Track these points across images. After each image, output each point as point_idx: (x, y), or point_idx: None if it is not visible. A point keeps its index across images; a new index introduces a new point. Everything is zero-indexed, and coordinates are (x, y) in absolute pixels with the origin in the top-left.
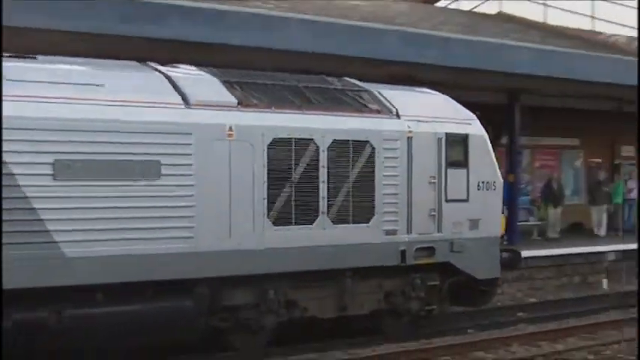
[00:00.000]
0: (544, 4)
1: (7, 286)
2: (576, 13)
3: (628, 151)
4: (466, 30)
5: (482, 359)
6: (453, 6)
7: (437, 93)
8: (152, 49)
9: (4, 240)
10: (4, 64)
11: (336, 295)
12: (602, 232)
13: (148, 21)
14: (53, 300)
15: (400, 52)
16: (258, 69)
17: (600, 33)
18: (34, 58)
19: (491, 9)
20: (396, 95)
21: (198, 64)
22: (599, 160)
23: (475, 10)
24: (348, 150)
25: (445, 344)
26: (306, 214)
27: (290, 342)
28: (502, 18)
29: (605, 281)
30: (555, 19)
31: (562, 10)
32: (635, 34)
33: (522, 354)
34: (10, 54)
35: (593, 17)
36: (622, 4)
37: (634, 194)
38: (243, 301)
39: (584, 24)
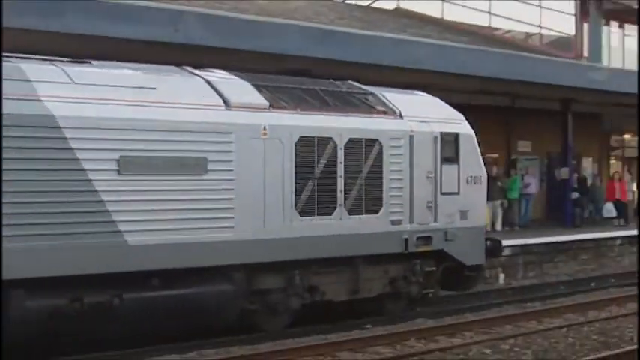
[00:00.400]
0: (442, 0)
1: (77, 272)
2: (474, 9)
3: (524, 146)
4: (364, 25)
5: (380, 354)
6: (350, 1)
7: (430, 95)
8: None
9: (77, 230)
10: (66, 67)
11: (349, 280)
12: (498, 227)
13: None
14: (116, 285)
15: (299, 47)
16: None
17: (497, 29)
18: (89, 62)
19: (389, 4)
20: (397, 97)
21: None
22: (496, 156)
23: (373, 5)
24: (361, 148)
25: (343, 339)
26: (326, 206)
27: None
28: (400, 13)
29: (501, 275)
30: (452, 15)
31: (459, 6)
32: (531, 29)
33: (420, 348)
34: (67, 59)
35: (490, 14)
36: (519, 1)
37: (530, 189)
38: (273, 285)
39: (482, 20)
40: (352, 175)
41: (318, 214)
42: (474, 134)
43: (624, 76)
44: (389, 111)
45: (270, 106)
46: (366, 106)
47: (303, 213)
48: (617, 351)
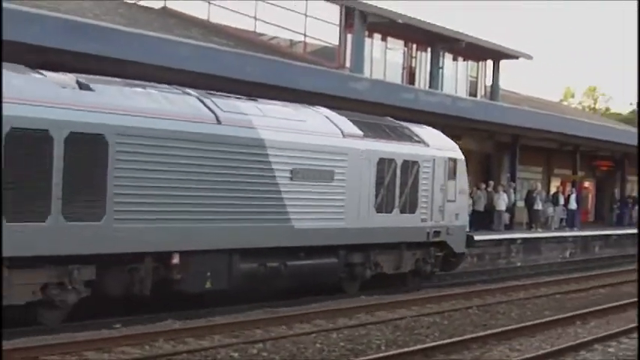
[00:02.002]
0: (208, 2)
1: (265, 245)
2: (239, 13)
3: None
4: (129, 22)
5: (128, 354)
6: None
7: (437, 130)
8: None
9: (267, 217)
10: (256, 103)
11: (396, 259)
12: None
13: None
14: (283, 255)
15: (58, 40)
16: None
17: (262, 34)
18: (255, 99)
19: (156, 4)
20: (422, 131)
21: None
22: None
23: (139, 3)
24: (408, 167)
25: (90, 338)
26: (390, 206)
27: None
28: (167, 13)
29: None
30: (219, 17)
31: (226, 9)
32: (295, 37)
33: (168, 350)
34: (244, 97)
35: (255, 19)
36: (284, 8)
37: None
38: (357, 260)
39: (248, 25)
40: (403, 185)
41: (385, 212)
42: (464, 158)
43: (385, 88)
44: (422, 141)
45: (364, 136)
46: (408, 137)
47: (378, 210)
48: (365, 358)
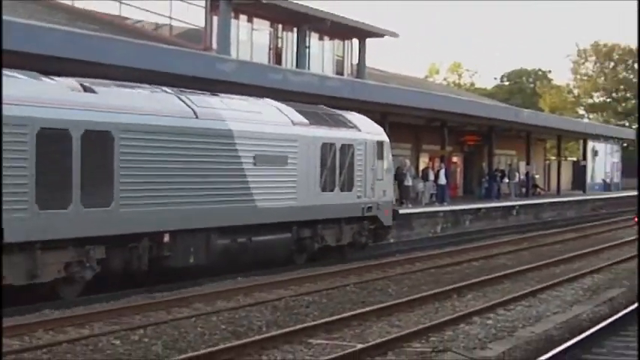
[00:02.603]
0: None
1: (233, 224)
2: None
3: None
4: None
5: (8, 346)
6: None
7: (364, 116)
8: None
9: (235, 198)
10: (222, 98)
11: (337, 232)
12: None
13: None
14: (246, 231)
15: None
16: None
17: (127, 18)
18: (217, 95)
19: None
20: (354, 117)
21: None
22: None
23: None
24: (345, 150)
25: None
26: (331, 185)
27: None
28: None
29: None
30: (83, 2)
31: None
32: (160, 20)
33: (49, 340)
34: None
35: (120, 2)
36: None
37: None
38: (306, 235)
39: (113, 9)
40: (342, 166)
41: (328, 191)
42: (388, 140)
43: (253, 69)
44: (355, 126)
45: (309, 123)
46: (343, 123)
47: (322, 189)
48: (246, 340)
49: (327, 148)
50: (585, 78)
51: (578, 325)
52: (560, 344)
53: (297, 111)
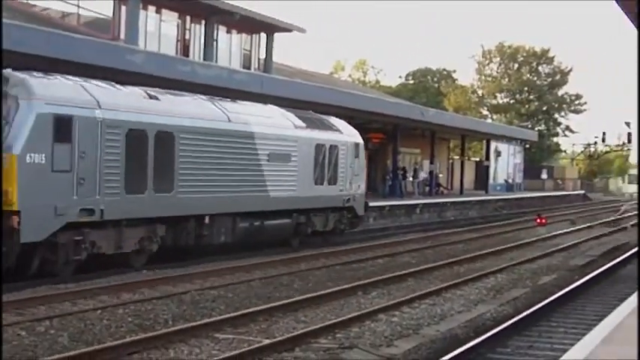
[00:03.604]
0: None
1: (252, 210)
2: None
3: None
4: None
5: None
6: None
7: (344, 121)
8: None
9: (252, 188)
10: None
11: (324, 220)
12: None
13: None
14: (260, 216)
15: None
16: None
17: (34, 5)
18: (235, 101)
19: None
20: (337, 121)
21: None
22: None
23: None
24: (332, 150)
25: None
26: (322, 179)
27: None
28: None
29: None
30: None
31: None
32: (67, 8)
33: None
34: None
35: None
36: None
37: None
38: (302, 221)
39: None
40: (329, 164)
41: (320, 184)
42: (362, 142)
43: (161, 60)
44: (338, 130)
45: (306, 127)
46: (329, 126)
47: (316, 183)
48: (153, 334)
49: (319, 148)
50: (489, 79)
51: (483, 324)
52: (465, 343)
53: (296, 116)
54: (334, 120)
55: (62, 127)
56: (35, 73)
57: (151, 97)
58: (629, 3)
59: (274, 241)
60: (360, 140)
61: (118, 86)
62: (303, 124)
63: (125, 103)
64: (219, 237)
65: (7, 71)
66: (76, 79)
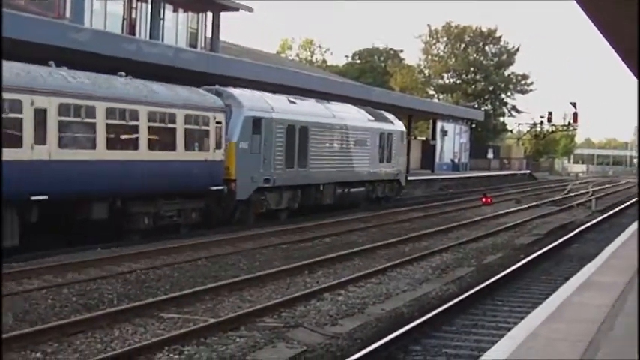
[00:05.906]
0: None
1: (340, 180)
2: None
3: None
4: None
5: None
6: None
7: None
8: None
9: (337, 166)
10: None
11: (383, 189)
12: None
13: None
14: (348, 186)
15: None
16: None
17: None
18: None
19: None
20: (390, 115)
21: None
22: None
23: None
24: (389, 136)
25: None
26: (383, 159)
27: None
28: None
29: None
30: None
31: None
32: None
33: None
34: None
35: None
36: None
37: None
38: (370, 189)
39: None
40: (388, 148)
41: (381, 162)
42: (406, 130)
43: (107, 39)
44: (391, 121)
45: (374, 120)
46: (386, 119)
47: (379, 162)
48: (97, 313)
49: (382, 135)
50: (436, 59)
51: (428, 302)
52: (410, 322)
53: (366, 111)
54: (387, 114)
55: (256, 125)
56: (240, 90)
57: (290, 102)
58: None
59: (352, 203)
60: (404, 129)
61: (274, 95)
62: (372, 118)
63: (283, 107)
64: (327, 199)
65: (220, 87)
66: (260, 93)
